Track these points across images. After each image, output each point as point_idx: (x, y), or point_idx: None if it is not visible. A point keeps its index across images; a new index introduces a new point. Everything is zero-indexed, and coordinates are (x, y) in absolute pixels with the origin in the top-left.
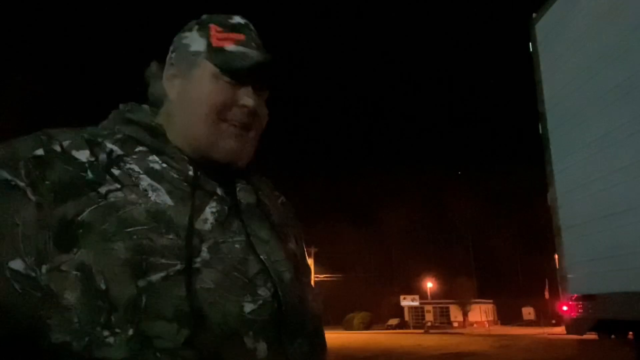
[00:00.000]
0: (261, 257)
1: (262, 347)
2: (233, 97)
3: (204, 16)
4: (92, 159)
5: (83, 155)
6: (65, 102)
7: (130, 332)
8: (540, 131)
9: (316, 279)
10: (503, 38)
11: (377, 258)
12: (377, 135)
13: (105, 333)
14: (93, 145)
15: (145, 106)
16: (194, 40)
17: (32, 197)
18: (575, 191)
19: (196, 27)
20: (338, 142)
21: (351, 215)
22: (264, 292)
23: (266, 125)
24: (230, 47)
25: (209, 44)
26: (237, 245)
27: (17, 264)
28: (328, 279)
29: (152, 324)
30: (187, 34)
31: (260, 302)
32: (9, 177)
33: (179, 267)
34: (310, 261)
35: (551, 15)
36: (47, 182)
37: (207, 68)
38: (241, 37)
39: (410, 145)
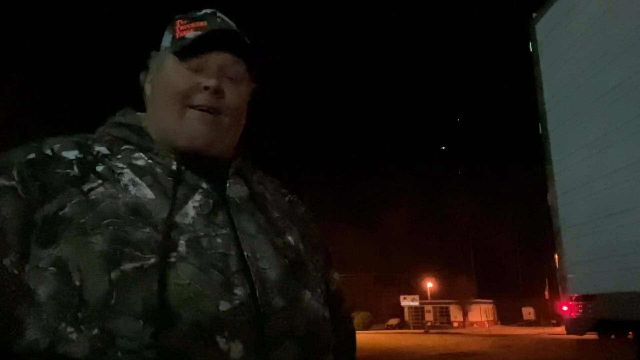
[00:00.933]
0: (245, 253)
1: (237, 349)
2: (195, 82)
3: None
4: (80, 156)
5: (72, 154)
6: (67, 104)
7: (95, 330)
8: (540, 131)
9: None
10: (503, 38)
11: (377, 258)
12: (376, 135)
13: (70, 329)
14: (82, 146)
15: (140, 113)
16: (165, 39)
17: (23, 195)
18: (575, 191)
19: (168, 26)
20: (338, 142)
21: (351, 215)
22: (240, 291)
23: (246, 113)
24: (189, 34)
25: (174, 38)
26: (219, 240)
27: (6, 261)
28: None
29: (118, 322)
30: (163, 36)
31: (237, 302)
32: (6, 183)
33: (153, 260)
34: None
35: (551, 15)
36: (37, 182)
37: (170, 59)
38: (202, 24)
39: (411, 145)
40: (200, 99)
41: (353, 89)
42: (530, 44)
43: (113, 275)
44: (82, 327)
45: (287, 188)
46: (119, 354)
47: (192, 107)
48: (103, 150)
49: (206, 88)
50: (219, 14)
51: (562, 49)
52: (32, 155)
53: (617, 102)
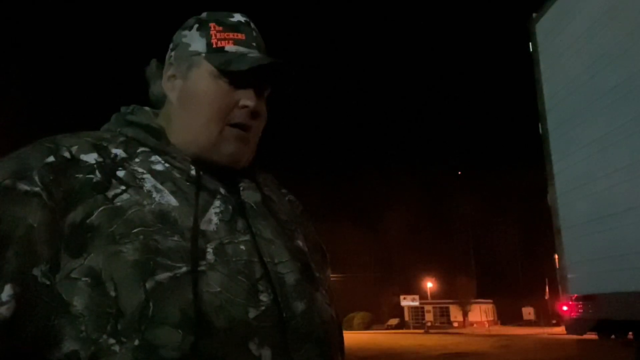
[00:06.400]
0: (264, 259)
1: (266, 354)
2: (233, 99)
3: (204, 14)
4: (100, 160)
5: (91, 157)
6: (65, 103)
7: (137, 341)
8: (540, 131)
9: None
10: (503, 38)
11: (377, 258)
12: (377, 135)
13: (111, 341)
14: (99, 149)
15: (147, 108)
16: (194, 40)
17: (48, 202)
18: (575, 191)
19: (196, 25)
20: (338, 142)
21: (351, 215)
22: (265, 297)
23: (265, 123)
24: (230, 47)
25: (209, 44)
26: (242, 247)
27: (36, 271)
28: None
29: (158, 332)
30: (187, 32)
31: (263, 308)
32: (28, 188)
33: (184, 269)
34: None
35: (551, 15)
36: (60, 188)
37: (207, 69)
38: (241, 36)
39: (411, 146)
40: (237, 115)
41: (353, 89)
42: (530, 44)
43: (148, 285)
44: (122, 338)
45: (288, 187)
46: None
47: (229, 124)
48: (120, 153)
49: (244, 107)
50: (252, 25)
51: (562, 49)
52: (51, 159)
53: (617, 102)
